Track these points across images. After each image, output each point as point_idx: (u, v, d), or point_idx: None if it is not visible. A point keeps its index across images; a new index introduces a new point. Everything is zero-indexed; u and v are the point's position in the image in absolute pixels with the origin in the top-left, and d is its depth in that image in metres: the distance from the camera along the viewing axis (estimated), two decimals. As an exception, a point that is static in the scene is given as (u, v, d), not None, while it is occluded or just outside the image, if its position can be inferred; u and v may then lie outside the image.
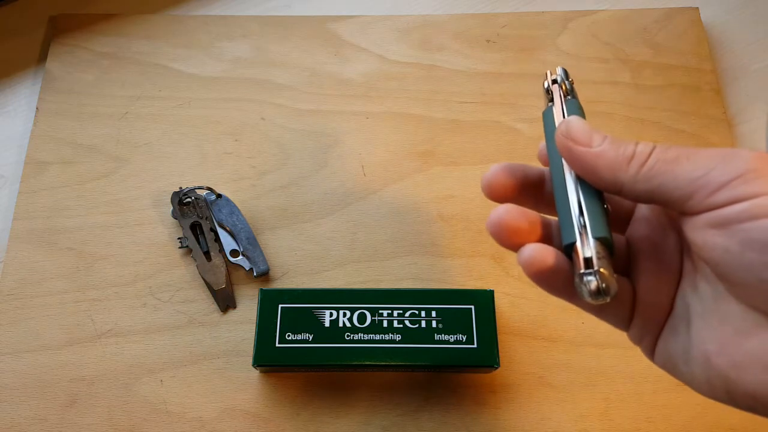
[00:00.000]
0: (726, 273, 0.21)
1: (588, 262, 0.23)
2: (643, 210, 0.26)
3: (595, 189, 0.24)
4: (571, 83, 0.28)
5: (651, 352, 0.25)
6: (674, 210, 0.22)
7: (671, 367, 0.24)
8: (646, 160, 0.22)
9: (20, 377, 0.38)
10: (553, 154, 0.26)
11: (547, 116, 0.27)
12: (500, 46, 0.48)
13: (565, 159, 0.24)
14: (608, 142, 0.23)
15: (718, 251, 0.20)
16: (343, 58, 0.48)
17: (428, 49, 0.48)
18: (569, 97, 0.27)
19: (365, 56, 0.48)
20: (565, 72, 0.28)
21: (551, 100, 0.27)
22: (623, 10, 0.50)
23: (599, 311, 0.25)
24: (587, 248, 0.23)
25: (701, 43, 0.48)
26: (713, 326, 0.22)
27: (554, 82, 0.28)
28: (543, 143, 0.28)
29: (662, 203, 0.22)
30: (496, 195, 0.27)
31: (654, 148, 0.22)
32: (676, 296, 0.24)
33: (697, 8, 0.50)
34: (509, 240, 0.25)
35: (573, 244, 0.23)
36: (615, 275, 0.23)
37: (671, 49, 0.48)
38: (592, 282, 0.22)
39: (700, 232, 0.21)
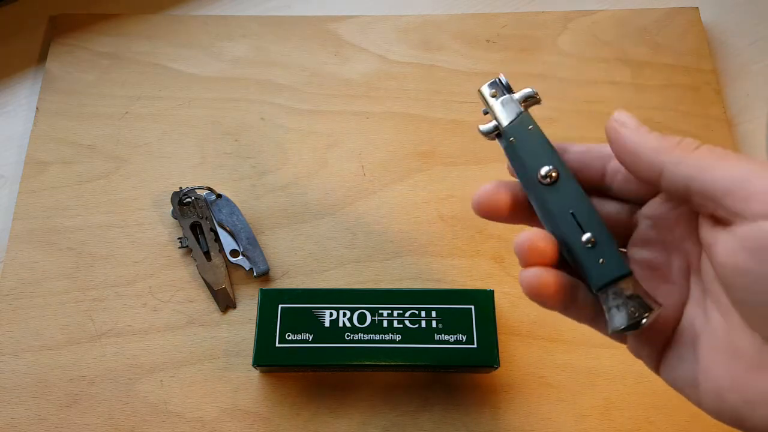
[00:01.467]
0: (748, 300, 0.20)
1: (632, 300, 0.22)
2: (644, 230, 0.25)
3: (594, 212, 0.24)
4: (507, 86, 0.27)
5: (655, 368, 0.25)
6: (705, 208, 0.21)
7: (677, 387, 0.24)
8: (695, 148, 0.22)
9: (20, 377, 0.38)
10: (535, 188, 0.25)
11: (521, 143, 0.26)
12: (500, 46, 0.48)
13: (610, 142, 0.24)
14: (654, 134, 0.23)
15: (746, 277, 0.20)
16: (343, 58, 0.48)
17: (428, 49, 0.48)
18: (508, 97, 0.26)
19: (365, 56, 0.48)
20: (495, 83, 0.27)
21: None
22: (623, 10, 0.50)
23: (595, 322, 0.25)
24: (626, 286, 0.23)
25: (701, 43, 0.48)
26: (725, 360, 0.21)
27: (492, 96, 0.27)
28: (487, 190, 0.26)
29: (697, 195, 0.21)
30: (488, 213, 0.26)
31: (701, 144, 0.22)
32: (682, 320, 0.23)
33: (697, 8, 0.50)
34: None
35: (606, 286, 0.23)
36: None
37: (671, 49, 0.48)
38: (637, 315, 0.22)
39: (730, 250, 0.20)
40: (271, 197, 0.43)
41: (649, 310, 0.22)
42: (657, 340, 0.24)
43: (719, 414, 0.22)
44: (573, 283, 0.24)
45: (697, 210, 0.22)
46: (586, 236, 0.23)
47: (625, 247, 0.26)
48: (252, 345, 0.36)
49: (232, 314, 0.40)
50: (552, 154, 0.25)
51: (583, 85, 0.47)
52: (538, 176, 0.25)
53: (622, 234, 0.26)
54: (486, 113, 0.27)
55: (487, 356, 0.35)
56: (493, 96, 0.27)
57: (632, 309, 0.22)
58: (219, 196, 0.42)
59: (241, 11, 0.51)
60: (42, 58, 0.48)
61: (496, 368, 0.35)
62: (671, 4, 0.50)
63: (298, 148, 0.45)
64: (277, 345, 0.35)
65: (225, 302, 0.40)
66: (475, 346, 0.35)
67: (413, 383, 0.38)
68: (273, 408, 0.37)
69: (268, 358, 0.35)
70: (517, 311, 0.40)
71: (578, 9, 0.50)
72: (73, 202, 0.43)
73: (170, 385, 0.38)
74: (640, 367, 0.38)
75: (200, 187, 0.42)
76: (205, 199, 0.42)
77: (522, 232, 0.24)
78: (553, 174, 0.24)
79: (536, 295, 0.24)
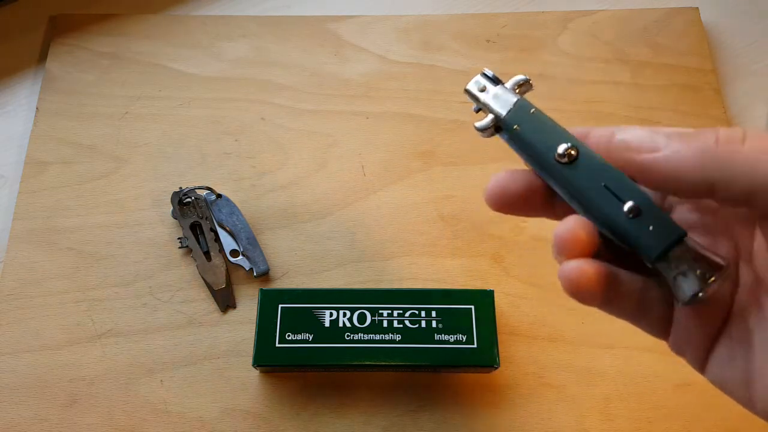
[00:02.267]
0: None
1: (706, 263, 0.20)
2: (682, 213, 0.23)
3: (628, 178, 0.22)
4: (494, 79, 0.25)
5: (700, 366, 0.22)
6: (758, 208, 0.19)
7: (726, 388, 0.22)
8: (740, 146, 0.18)
9: (20, 377, 0.38)
10: (553, 167, 0.23)
11: (524, 130, 0.24)
12: (500, 46, 0.48)
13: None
14: (676, 138, 0.19)
15: None
16: (343, 58, 0.48)
17: (428, 49, 0.48)
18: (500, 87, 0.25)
19: (365, 56, 0.48)
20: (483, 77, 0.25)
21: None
22: (623, 10, 0.50)
23: (637, 317, 0.23)
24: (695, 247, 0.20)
25: (701, 43, 0.48)
26: None
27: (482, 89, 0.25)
28: (499, 181, 0.24)
29: (763, 199, 0.18)
30: (502, 205, 0.24)
31: (745, 133, 0.19)
32: (731, 312, 0.21)
33: (697, 8, 0.50)
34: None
35: (668, 251, 0.21)
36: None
37: (671, 49, 0.48)
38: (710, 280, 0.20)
39: None
40: (271, 197, 0.43)
41: (719, 267, 0.20)
42: (703, 334, 0.22)
43: None
44: (614, 273, 0.22)
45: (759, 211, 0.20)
46: (627, 206, 0.21)
47: None
48: (252, 345, 0.36)
49: (232, 314, 0.40)
50: (563, 131, 0.23)
51: (583, 85, 0.47)
52: (556, 156, 0.23)
53: (666, 207, 0.23)
54: (478, 110, 0.26)
55: (487, 356, 0.35)
56: (482, 91, 0.25)
57: (700, 271, 0.20)
58: (219, 196, 0.42)
59: (241, 11, 0.51)
60: (42, 58, 0.48)
61: (496, 368, 0.35)
62: (671, 4, 0.50)
63: (298, 148, 0.45)
64: (277, 345, 0.35)
65: (225, 302, 0.40)
66: (475, 346, 0.35)
67: (413, 383, 0.38)
68: (273, 408, 0.37)
69: (268, 358, 0.35)
70: (517, 311, 0.40)
71: (578, 9, 0.50)
72: (73, 202, 0.43)
73: (170, 385, 0.38)
74: (640, 367, 0.38)
75: (200, 187, 0.42)
76: (205, 199, 0.42)
77: (561, 222, 0.22)
78: (572, 152, 0.23)
79: (578, 291, 0.21)
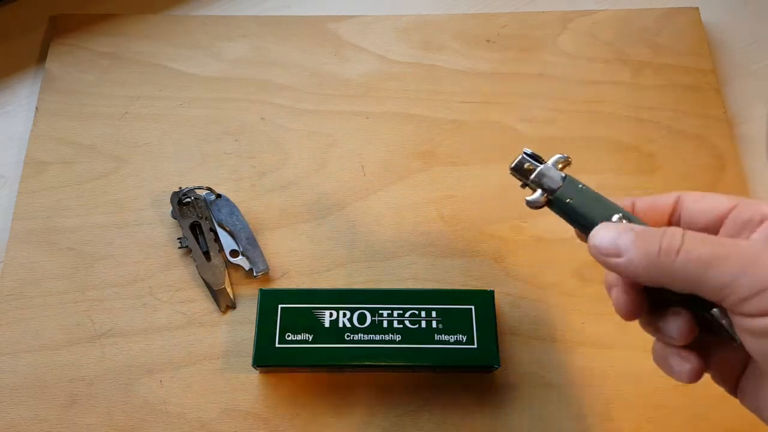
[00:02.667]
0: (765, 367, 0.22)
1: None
2: None
3: None
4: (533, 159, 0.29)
5: (734, 394, 0.26)
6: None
7: (758, 414, 0.25)
8: (675, 258, 0.22)
9: (20, 377, 0.38)
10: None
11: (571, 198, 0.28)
12: (500, 46, 0.48)
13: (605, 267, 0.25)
14: (635, 245, 0.23)
15: (757, 354, 0.22)
16: (343, 58, 0.48)
17: (428, 49, 0.48)
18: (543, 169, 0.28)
19: (365, 56, 0.48)
20: (527, 157, 0.29)
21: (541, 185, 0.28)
22: (623, 10, 0.50)
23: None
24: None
25: (701, 43, 0.48)
26: None
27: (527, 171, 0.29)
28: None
29: (701, 295, 0.22)
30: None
31: (681, 244, 0.22)
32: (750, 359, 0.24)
33: (697, 8, 0.49)
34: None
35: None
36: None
37: (671, 49, 0.48)
38: None
39: (739, 330, 0.22)
40: (271, 197, 0.43)
41: None
42: (731, 370, 0.25)
43: None
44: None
45: None
46: None
47: None
48: (252, 345, 0.36)
49: (231, 314, 0.40)
50: (611, 204, 0.27)
51: (583, 85, 0.47)
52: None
53: None
54: (524, 186, 0.29)
55: (488, 356, 0.35)
56: (528, 169, 0.29)
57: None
58: (219, 196, 0.42)
59: (241, 11, 0.51)
60: (42, 58, 0.48)
61: (497, 368, 0.35)
62: (671, 4, 0.50)
63: (298, 148, 0.45)
64: (276, 345, 0.35)
65: (225, 302, 0.40)
66: (475, 346, 0.35)
67: (413, 383, 0.38)
68: (273, 408, 0.37)
69: (267, 358, 0.35)
70: (517, 311, 0.40)
71: (578, 9, 0.50)
72: (73, 202, 0.43)
73: (170, 386, 0.38)
74: (640, 367, 0.38)
75: (200, 187, 0.42)
76: (204, 199, 0.42)
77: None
78: (623, 220, 0.26)
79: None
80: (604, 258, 0.24)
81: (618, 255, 0.24)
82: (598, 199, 0.27)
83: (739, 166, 0.44)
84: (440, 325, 0.36)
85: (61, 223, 0.42)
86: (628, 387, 0.38)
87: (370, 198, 0.43)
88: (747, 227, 0.24)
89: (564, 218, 0.28)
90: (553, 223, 0.42)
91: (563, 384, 0.38)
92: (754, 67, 0.48)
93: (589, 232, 0.26)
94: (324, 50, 0.48)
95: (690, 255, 0.22)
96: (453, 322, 0.36)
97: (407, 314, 0.36)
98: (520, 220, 0.42)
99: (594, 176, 0.44)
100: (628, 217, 0.26)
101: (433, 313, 0.36)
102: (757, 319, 0.21)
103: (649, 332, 0.26)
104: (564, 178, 0.28)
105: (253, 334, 0.36)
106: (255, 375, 0.38)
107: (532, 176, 0.28)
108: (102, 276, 0.40)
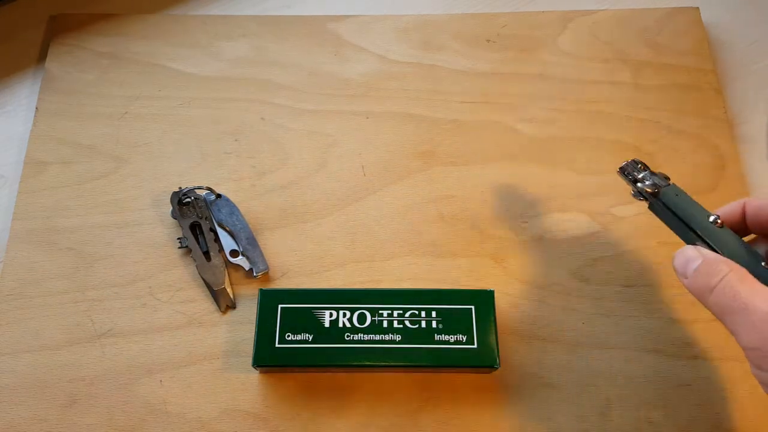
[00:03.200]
0: None
1: None
2: None
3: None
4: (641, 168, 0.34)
5: None
6: None
7: None
8: (708, 296, 0.28)
9: (20, 377, 0.38)
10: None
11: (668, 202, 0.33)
12: (500, 46, 0.48)
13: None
14: (697, 273, 0.29)
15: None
16: (343, 58, 0.48)
17: (428, 49, 0.48)
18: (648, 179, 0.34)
19: (365, 56, 0.48)
20: (633, 164, 0.35)
21: (646, 192, 0.33)
22: (624, 10, 0.50)
23: None
24: None
25: (701, 43, 0.48)
26: None
27: (637, 180, 0.34)
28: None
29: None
30: None
31: (718, 283, 0.28)
32: None
33: (698, 8, 0.49)
34: None
35: None
36: None
37: (671, 49, 0.48)
38: None
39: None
40: (271, 197, 0.43)
41: None
42: None
43: None
44: None
45: None
46: (764, 263, 0.29)
47: None
48: (252, 345, 0.36)
49: (231, 314, 0.40)
50: (704, 209, 0.32)
51: (583, 85, 0.47)
52: (712, 220, 0.31)
53: None
54: (636, 183, 0.34)
55: (487, 356, 0.35)
56: (641, 169, 0.34)
57: None
58: (219, 196, 0.42)
59: (240, 11, 0.51)
60: (42, 58, 0.48)
61: (497, 368, 0.35)
62: (671, 4, 0.50)
63: (298, 148, 0.45)
64: (276, 345, 0.35)
65: (225, 302, 0.40)
66: (475, 346, 0.35)
67: (413, 383, 0.38)
68: (273, 408, 0.37)
69: (267, 358, 0.35)
70: (517, 311, 0.40)
71: (578, 9, 0.50)
72: (73, 202, 0.43)
73: (170, 386, 0.38)
74: (640, 367, 0.38)
75: (200, 187, 0.42)
76: (204, 199, 0.42)
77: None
78: (719, 220, 0.31)
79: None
80: (678, 275, 0.30)
81: (685, 276, 0.30)
82: (695, 203, 0.32)
83: (739, 166, 0.44)
84: (440, 325, 0.36)
85: (61, 223, 0.42)
86: (628, 387, 0.38)
87: (370, 198, 0.43)
88: None
89: (666, 216, 0.33)
90: (553, 223, 0.42)
91: (563, 384, 0.38)
92: (754, 67, 0.48)
93: (687, 230, 0.32)
94: (324, 50, 0.48)
95: (716, 298, 0.27)
96: (453, 322, 0.36)
97: (407, 314, 0.36)
98: (520, 220, 0.42)
99: (594, 176, 0.44)
100: (717, 221, 0.31)
101: (433, 313, 0.36)
102: (753, 368, 0.26)
103: None
104: (667, 180, 0.34)
105: (253, 334, 0.36)
106: (255, 375, 0.38)
107: (640, 175, 0.34)
108: (102, 276, 0.40)
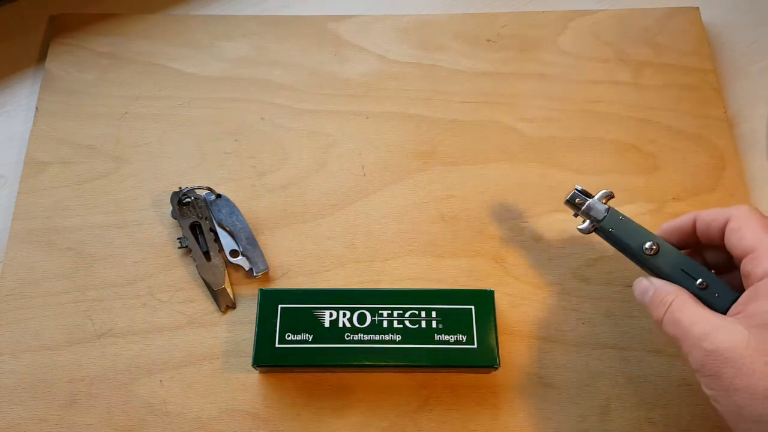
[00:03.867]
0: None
1: None
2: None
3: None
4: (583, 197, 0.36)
5: None
6: None
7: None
8: (662, 318, 0.30)
9: (19, 377, 0.38)
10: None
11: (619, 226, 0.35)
12: (500, 46, 0.48)
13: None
14: (651, 304, 0.32)
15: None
16: (343, 58, 0.48)
17: (428, 49, 0.48)
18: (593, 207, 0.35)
19: (365, 56, 0.48)
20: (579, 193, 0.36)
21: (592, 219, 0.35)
22: (624, 10, 0.50)
23: None
24: None
25: (701, 43, 0.48)
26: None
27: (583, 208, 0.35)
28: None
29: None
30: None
31: (666, 310, 0.30)
32: None
33: (698, 8, 0.49)
34: None
35: None
36: None
37: (672, 49, 0.48)
38: None
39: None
40: (271, 197, 0.43)
41: None
42: None
43: None
44: None
45: None
46: (698, 281, 0.31)
47: None
48: (252, 345, 0.36)
49: (231, 314, 0.40)
50: (646, 231, 0.33)
51: (583, 85, 0.47)
52: (644, 250, 0.33)
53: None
54: (576, 216, 0.36)
55: (487, 356, 0.35)
56: (579, 203, 0.35)
57: None
58: (219, 196, 0.42)
59: (241, 11, 0.51)
60: (42, 57, 0.48)
61: (497, 368, 0.35)
62: (672, 4, 0.50)
63: (298, 148, 0.45)
64: (276, 345, 0.35)
65: (225, 302, 0.40)
66: (475, 346, 0.35)
67: (413, 383, 0.38)
68: (273, 408, 0.37)
69: (267, 358, 0.35)
70: (517, 311, 0.40)
71: (578, 9, 0.50)
72: (73, 202, 0.43)
73: (170, 386, 0.38)
74: (640, 367, 0.38)
75: (200, 187, 0.42)
76: (204, 199, 0.42)
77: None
78: (654, 246, 0.33)
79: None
80: (638, 300, 0.33)
81: (644, 306, 0.32)
82: (635, 228, 0.34)
83: (739, 166, 0.44)
84: (440, 325, 0.36)
85: (60, 223, 0.42)
86: (628, 387, 0.38)
87: (370, 198, 0.43)
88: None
89: (608, 242, 0.35)
90: (553, 223, 0.42)
91: (563, 384, 0.38)
92: (754, 67, 0.48)
93: (626, 254, 0.34)
94: (324, 50, 0.48)
95: (666, 328, 0.30)
96: (453, 322, 0.36)
97: (407, 314, 0.36)
98: (520, 220, 0.42)
99: (594, 176, 0.44)
100: (659, 243, 0.33)
101: (433, 313, 0.36)
102: (702, 386, 0.28)
103: None
104: (608, 210, 0.35)
105: (253, 334, 0.36)
106: (255, 375, 0.38)
107: (582, 208, 0.35)
108: (102, 276, 0.40)
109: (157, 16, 0.50)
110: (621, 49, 0.48)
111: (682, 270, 0.32)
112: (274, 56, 0.48)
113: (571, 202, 0.36)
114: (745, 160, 0.45)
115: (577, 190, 0.36)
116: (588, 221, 0.35)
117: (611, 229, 0.34)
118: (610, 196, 0.35)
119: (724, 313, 0.30)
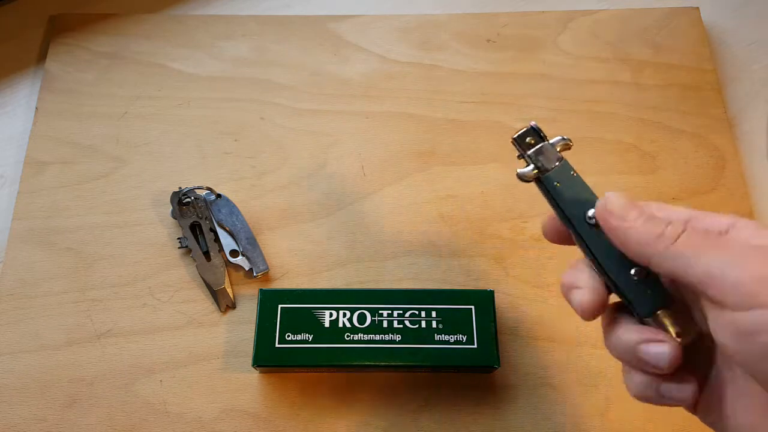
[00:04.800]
0: (744, 369, 0.22)
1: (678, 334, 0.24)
2: (666, 282, 0.27)
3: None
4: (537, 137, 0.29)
5: (693, 410, 0.26)
6: (696, 293, 0.23)
7: (712, 426, 0.25)
8: (673, 242, 0.23)
9: (20, 377, 0.38)
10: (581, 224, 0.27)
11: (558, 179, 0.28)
12: (500, 46, 0.48)
13: (603, 228, 0.26)
14: (642, 219, 0.24)
15: (736, 354, 0.21)
16: (343, 57, 0.48)
17: (428, 49, 0.48)
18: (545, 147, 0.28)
19: (365, 56, 0.48)
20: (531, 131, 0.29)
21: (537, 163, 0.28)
22: (624, 10, 0.50)
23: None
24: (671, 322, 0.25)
25: (701, 43, 0.48)
26: (747, 406, 0.23)
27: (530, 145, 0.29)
28: (548, 223, 0.29)
29: (683, 285, 0.24)
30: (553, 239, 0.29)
31: (684, 231, 0.23)
32: (714, 367, 0.25)
33: (698, 8, 0.49)
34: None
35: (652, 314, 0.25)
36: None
37: (672, 49, 0.48)
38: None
39: (720, 330, 0.22)
40: (271, 197, 0.43)
41: (690, 332, 0.25)
42: (695, 382, 0.25)
43: None
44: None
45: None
46: (634, 270, 0.25)
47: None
48: (252, 345, 0.36)
49: (231, 314, 0.40)
50: (595, 196, 0.27)
51: (583, 85, 0.47)
52: (586, 218, 0.27)
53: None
54: (520, 158, 0.29)
55: (487, 356, 0.35)
56: (529, 143, 0.28)
57: (678, 332, 0.25)
58: (218, 196, 0.42)
59: (241, 11, 0.51)
60: (42, 57, 0.48)
61: (497, 368, 0.35)
62: (672, 4, 0.50)
63: (298, 148, 0.45)
64: (276, 345, 0.35)
65: (225, 302, 0.40)
66: (475, 346, 0.35)
67: (413, 383, 0.38)
68: (273, 408, 0.37)
69: (267, 358, 0.35)
70: (517, 311, 0.40)
71: (579, 8, 0.50)
72: (73, 203, 0.43)
73: (170, 386, 0.38)
74: (640, 367, 0.38)
75: (200, 187, 0.42)
76: (204, 199, 0.42)
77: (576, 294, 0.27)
78: (594, 219, 0.26)
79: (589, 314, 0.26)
80: (607, 215, 0.25)
81: (623, 220, 0.24)
82: (585, 190, 0.27)
83: (739, 166, 0.44)
84: (440, 325, 0.36)
85: (60, 223, 0.42)
86: (628, 387, 0.38)
87: (370, 198, 0.43)
88: None
89: (547, 199, 0.28)
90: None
91: (563, 384, 0.38)
92: (754, 67, 0.48)
93: (564, 220, 0.27)
94: (324, 50, 0.48)
95: (686, 242, 0.23)
96: (453, 322, 0.36)
97: (407, 314, 0.36)
98: (521, 220, 0.42)
99: (594, 176, 0.43)
100: None
101: (433, 313, 0.36)
102: (742, 314, 0.20)
103: (629, 360, 0.26)
104: (560, 161, 0.28)
105: (253, 334, 0.36)
106: (255, 375, 0.38)
107: (531, 151, 0.28)
108: (102, 276, 0.40)
109: (157, 16, 0.50)
110: (621, 48, 0.48)
111: (621, 252, 0.26)
112: (274, 56, 0.48)
113: (519, 140, 0.29)
114: (745, 160, 0.45)
115: (532, 127, 0.29)
116: (532, 166, 0.28)
117: (557, 183, 0.28)
118: (567, 146, 0.29)
119: (644, 317, 0.25)
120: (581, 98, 0.46)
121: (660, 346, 0.24)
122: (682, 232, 0.23)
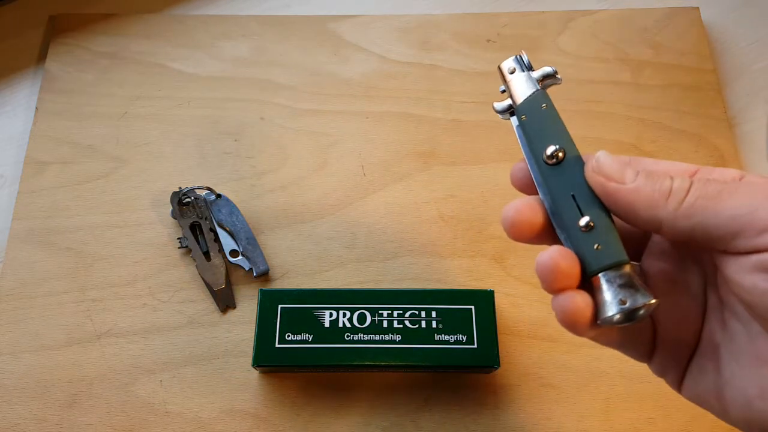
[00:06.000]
0: None
1: (626, 287, 0.21)
2: (657, 241, 0.24)
3: (604, 206, 0.23)
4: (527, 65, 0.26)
5: (678, 386, 0.24)
6: (717, 249, 0.21)
7: (701, 402, 0.23)
8: (685, 196, 0.21)
9: (19, 377, 0.38)
10: (541, 168, 0.24)
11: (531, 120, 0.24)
12: (500, 46, 0.48)
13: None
14: (642, 177, 0.22)
15: (760, 298, 0.19)
16: (343, 58, 0.48)
17: (428, 49, 0.48)
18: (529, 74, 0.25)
19: (365, 56, 0.48)
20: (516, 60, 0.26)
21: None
22: (624, 10, 0.50)
23: (619, 344, 0.25)
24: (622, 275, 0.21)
25: (702, 43, 0.48)
26: (751, 368, 0.21)
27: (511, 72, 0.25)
28: (516, 166, 0.25)
29: (704, 242, 0.21)
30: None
31: (692, 183, 0.21)
32: (702, 332, 0.23)
33: (698, 8, 0.49)
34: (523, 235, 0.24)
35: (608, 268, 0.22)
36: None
37: (672, 49, 0.48)
38: (637, 304, 0.21)
39: (746, 275, 0.20)
40: (271, 197, 0.43)
41: (644, 302, 0.21)
42: (681, 356, 0.24)
43: (749, 424, 0.21)
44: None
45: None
46: (584, 220, 0.22)
47: (640, 258, 0.25)
48: (252, 345, 0.36)
49: (231, 314, 0.40)
50: (562, 134, 0.24)
51: (582, 85, 0.47)
52: (544, 156, 0.24)
53: (636, 244, 0.25)
54: (503, 91, 0.26)
55: (487, 356, 0.35)
56: (512, 73, 0.25)
57: (622, 299, 0.21)
58: (219, 196, 0.42)
59: (241, 11, 0.51)
60: (42, 57, 0.48)
61: (497, 368, 0.35)
62: (672, 4, 0.50)
63: (298, 148, 0.45)
64: (276, 345, 0.35)
65: (225, 302, 0.40)
66: (475, 346, 0.35)
67: (413, 383, 0.38)
68: (273, 408, 0.37)
69: (267, 358, 0.35)
70: (517, 311, 0.40)
71: (579, 8, 0.50)
72: (73, 203, 0.43)
73: (170, 386, 0.38)
74: (640, 367, 0.38)
75: (200, 187, 0.42)
76: (204, 199, 0.42)
77: (542, 252, 0.22)
78: (559, 154, 0.24)
79: (572, 323, 0.22)
80: (603, 180, 0.22)
81: (621, 182, 0.22)
82: (552, 126, 0.24)
83: (739, 166, 0.44)
84: (440, 325, 0.36)
85: (60, 223, 0.42)
86: (628, 387, 0.38)
87: (370, 198, 0.43)
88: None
89: (518, 139, 0.25)
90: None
91: (563, 384, 0.38)
92: (755, 67, 0.48)
93: (529, 161, 0.24)
94: (324, 50, 0.48)
95: (701, 191, 0.20)
96: (453, 322, 0.36)
97: (407, 314, 0.36)
98: (520, 220, 0.42)
99: (594, 176, 0.44)
100: (569, 154, 0.24)
101: (433, 313, 0.36)
102: None
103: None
104: (536, 92, 0.25)
105: (253, 334, 0.36)
106: (255, 375, 0.38)
107: (508, 79, 0.25)
108: (102, 276, 0.40)
109: (157, 16, 0.50)
110: (621, 49, 0.48)
111: (572, 197, 0.23)
112: (274, 56, 0.48)
113: (502, 69, 0.26)
114: (745, 160, 0.45)
115: (519, 57, 0.26)
116: (509, 100, 0.25)
117: (524, 117, 0.25)
118: (552, 78, 0.25)
119: (591, 276, 0.22)
120: (581, 98, 0.46)
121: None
122: (691, 184, 0.21)
